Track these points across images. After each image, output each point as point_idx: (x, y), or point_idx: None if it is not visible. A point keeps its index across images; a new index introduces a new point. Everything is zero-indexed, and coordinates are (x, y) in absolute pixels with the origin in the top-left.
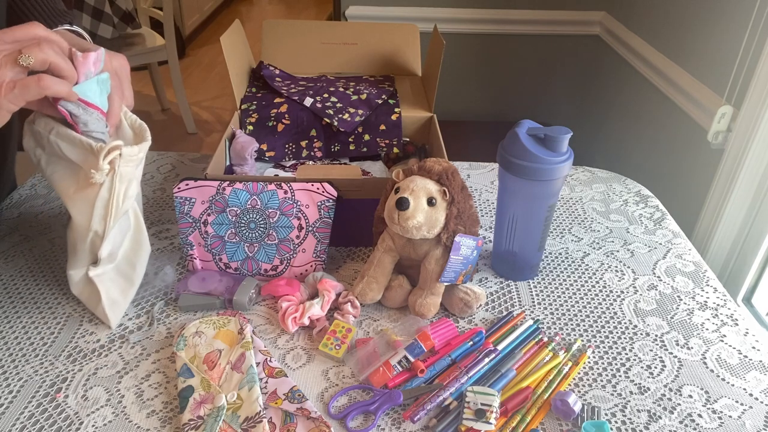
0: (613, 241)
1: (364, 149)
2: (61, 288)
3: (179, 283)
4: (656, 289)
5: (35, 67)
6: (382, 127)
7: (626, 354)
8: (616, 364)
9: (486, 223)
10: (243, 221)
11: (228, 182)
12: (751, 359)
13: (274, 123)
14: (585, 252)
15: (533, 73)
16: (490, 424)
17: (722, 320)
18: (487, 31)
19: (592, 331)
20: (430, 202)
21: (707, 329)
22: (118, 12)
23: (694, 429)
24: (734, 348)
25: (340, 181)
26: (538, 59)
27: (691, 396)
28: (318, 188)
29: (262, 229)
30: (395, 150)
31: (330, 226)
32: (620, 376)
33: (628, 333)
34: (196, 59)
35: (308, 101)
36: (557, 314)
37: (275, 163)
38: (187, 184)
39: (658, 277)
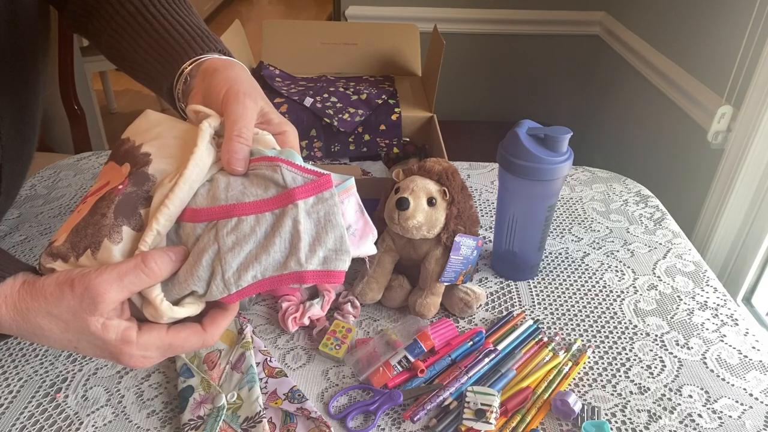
0: (613, 241)
1: (364, 149)
2: None
3: None
4: (656, 289)
5: None
6: (382, 127)
7: (626, 354)
8: (616, 364)
9: (486, 223)
10: None
11: None
12: (751, 359)
13: None
14: (585, 252)
15: (533, 73)
16: (490, 424)
17: (722, 320)
18: (487, 31)
19: (592, 331)
20: (430, 202)
21: (707, 329)
22: None
23: (694, 429)
24: (734, 348)
25: None
26: (538, 59)
27: (691, 396)
28: None
29: None
30: (395, 150)
31: None
32: (620, 376)
33: (628, 333)
34: None
35: (308, 101)
36: (557, 314)
37: None
38: None
39: (658, 277)
